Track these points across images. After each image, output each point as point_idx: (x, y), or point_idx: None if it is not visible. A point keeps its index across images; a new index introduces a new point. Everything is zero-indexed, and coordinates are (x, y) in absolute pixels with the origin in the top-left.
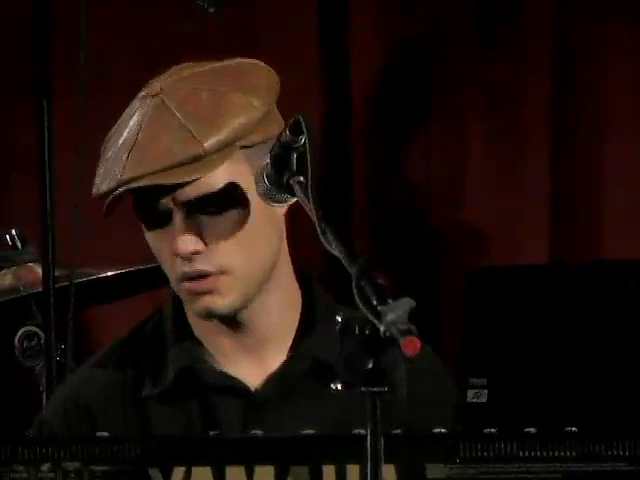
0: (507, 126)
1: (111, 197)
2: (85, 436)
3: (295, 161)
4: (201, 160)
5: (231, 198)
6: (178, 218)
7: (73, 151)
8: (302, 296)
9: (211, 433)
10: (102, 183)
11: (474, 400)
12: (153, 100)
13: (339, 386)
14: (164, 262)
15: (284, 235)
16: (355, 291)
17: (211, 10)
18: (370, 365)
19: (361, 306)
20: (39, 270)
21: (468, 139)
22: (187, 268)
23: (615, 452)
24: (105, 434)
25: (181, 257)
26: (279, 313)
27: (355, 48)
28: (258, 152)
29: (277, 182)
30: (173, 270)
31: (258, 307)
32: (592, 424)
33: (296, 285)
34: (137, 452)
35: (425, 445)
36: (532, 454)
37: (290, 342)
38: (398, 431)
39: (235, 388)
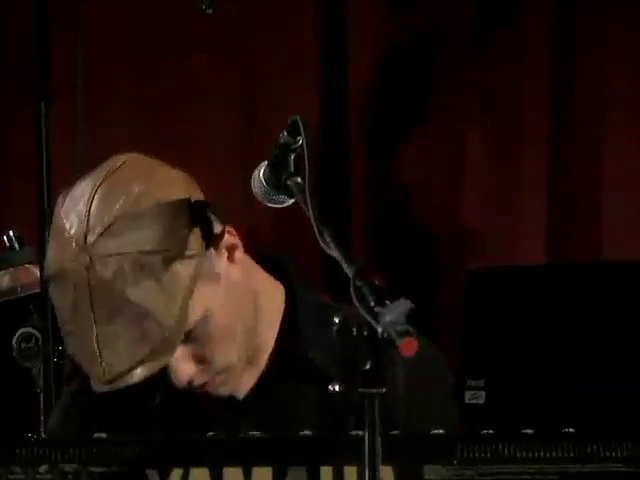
0: (505, 126)
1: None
2: (83, 437)
3: (293, 162)
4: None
5: (206, 320)
6: (172, 365)
7: (71, 152)
8: (285, 291)
9: (209, 434)
10: (91, 376)
11: (472, 401)
12: (88, 289)
13: (337, 387)
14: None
15: (250, 276)
16: (352, 292)
17: (209, 11)
18: (368, 366)
19: (359, 307)
20: (37, 271)
21: (466, 139)
22: (189, 387)
23: (613, 453)
24: (103, 435)
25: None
26: (265, 328)
27: (353, 49)
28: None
29: (275, 183)
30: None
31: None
32: (590, 425)
33: (276, 289)
34: (135, 453)
35: (423, 446)
36: (530, 455)
37: (273, 342)
38: (396, 432)
39: (223, 399)
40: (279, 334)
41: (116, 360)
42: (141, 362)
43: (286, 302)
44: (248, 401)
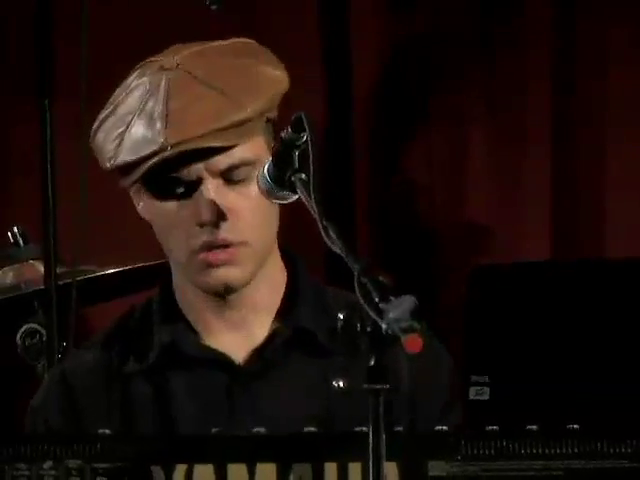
0: (508, 125)
1: (155, 160)
2: (87, 434)
3: (297, 158)
4: (244, 126)
5: (254, 173)
6: (207, 186)
7: (75, 149)
8: (287, 274)
9: (213, 430)
10: (127, 152)
11: (476, 397)
12: (173, 72)
13: (341, 383)
14: (180, 233)
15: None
16: (357, 288)
17: (213, 7)
18: (372, 362)
19: (363, 303)
20: (41, 268)
21: (469, 138)
22: (211, 237)
23: (617, 449)
24: (107, 431)
25: (206, 225)
26: (267, 289)
27: (355, 50)
28: (270, 128)
29: (279, 179)
30: (189, 241)
31: (252, 282)
32: (594, 421)
33: (282, 264)
34: (139, 450)
35: (427, 442)
36: (534, 451)
37: (274, 316)
38: (400, 428)
39: (219, 361)
40: (281, 306)
41: (187, 125)
42: (209, 133)
43: (287, 285)
44: (244, 368)
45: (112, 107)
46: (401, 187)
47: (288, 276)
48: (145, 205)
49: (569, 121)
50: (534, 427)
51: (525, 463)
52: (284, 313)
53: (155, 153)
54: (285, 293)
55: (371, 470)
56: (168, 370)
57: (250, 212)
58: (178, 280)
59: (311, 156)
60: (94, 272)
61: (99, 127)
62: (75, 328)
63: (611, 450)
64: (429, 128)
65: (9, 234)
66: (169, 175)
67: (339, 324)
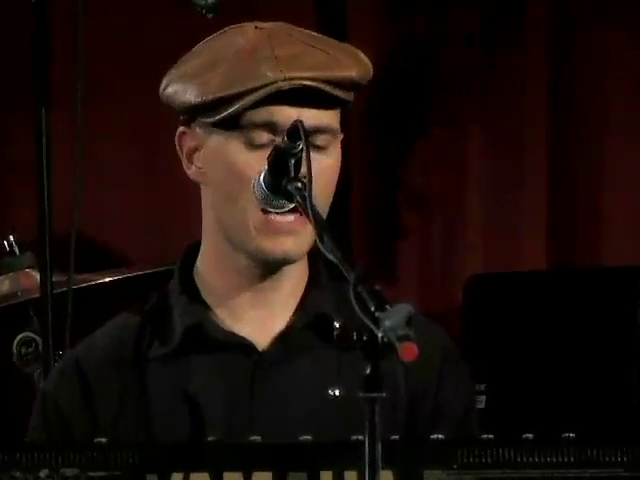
0: (506, 128)
1: (268, 89)
2: (83, 442)
3: (293, 167)
4: (343, 89)
5: (331, 145)
6: None
7: (71, 157)
8: (309, 266)
9: (209, 439)
10: (225, 86)
11: None
12: (270, 29)
13: (337, 392)
14: (246, 184)
15: None
16: (353, 297)
17: (209, 16)
18: (368, 371)
19: (359, 312)
20: (37, 276)
21: (467, 140)
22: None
23: (612, 458)
24: (103, 440)
25: None
26: (296, 274)
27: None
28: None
29: (274, 188)
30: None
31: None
32: (589, 430)
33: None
34: (135, 458)
35: (423, 451)
36: (530, 460)
37: (297, 302)
38: (396, 437)
39: (244, 346)
40: (304, 293)
41: (300, 67)
42: (320, 78)
43: (309, 272)
44: (267, 353)
45: (189, 60)
46: (398, 189)
47: (309, 268)
48: (209, 153)
49: (567, 123)
50: (530, 435)
51: (521, 472)
52: (306, 299)
53: (266, 85)
54: (307, 280)
55: (367, 478)
56: (191, 353)
57: (321, 179)
58: (204, 263)
59: (307, 164)
60: (90, 280)
61: (172, 79)
62: (71, 336)
63: (607, 459)
64: (427, 129)
65: (5, 243)
66: (267, 119)
67: (335, 332)
